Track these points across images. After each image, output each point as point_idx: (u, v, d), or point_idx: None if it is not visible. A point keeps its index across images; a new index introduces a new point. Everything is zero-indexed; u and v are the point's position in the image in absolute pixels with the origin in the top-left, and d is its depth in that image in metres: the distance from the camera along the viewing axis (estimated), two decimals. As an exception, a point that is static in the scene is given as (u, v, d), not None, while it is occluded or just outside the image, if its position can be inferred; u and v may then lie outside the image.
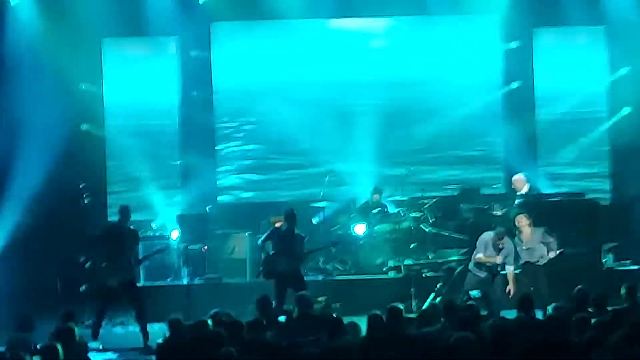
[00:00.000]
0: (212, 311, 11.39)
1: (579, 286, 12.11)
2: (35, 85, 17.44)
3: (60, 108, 17.41)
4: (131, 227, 14.80)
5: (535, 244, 15.07)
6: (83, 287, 16.01)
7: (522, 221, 15.10)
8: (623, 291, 12.05)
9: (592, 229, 16.38)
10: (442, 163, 19.07)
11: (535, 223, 15.20)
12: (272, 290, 14.38)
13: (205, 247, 17.25)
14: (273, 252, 14.91)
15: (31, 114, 17.41)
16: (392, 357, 9.03)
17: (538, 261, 15.02)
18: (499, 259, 14.80)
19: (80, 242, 16.40)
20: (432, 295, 15.39)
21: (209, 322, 10.86)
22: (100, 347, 13.66)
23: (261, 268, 15.10)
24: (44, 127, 17.26)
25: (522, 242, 15.06)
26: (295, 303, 12.54)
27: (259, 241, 15.24)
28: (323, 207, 17.77)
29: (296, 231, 15.02)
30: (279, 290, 14.61)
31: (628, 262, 17.04)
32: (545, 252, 15.04)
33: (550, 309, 12.20)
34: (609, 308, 11.47)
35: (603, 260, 16.73)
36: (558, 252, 15.05)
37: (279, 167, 19.15)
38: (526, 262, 15.08)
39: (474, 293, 14.52)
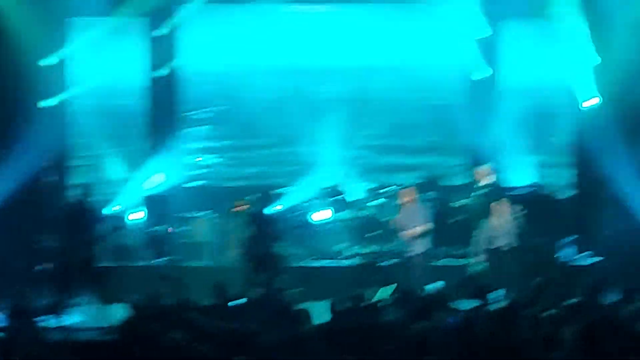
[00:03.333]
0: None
1: (536, 279, 12.26)
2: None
3: (20, 85, 17.31)
4: (92, 206, 14.80)
5: (505, 230, 15.27)
6: (41, 267, 16.01)
7: (501, 208, 15.28)
8: (581, 286, 12.17)
9: (550, 223, 16.50)
10: (406, 151, 19.12)
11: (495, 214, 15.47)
12: (230, 274, 14.45)
13: (171, 229, 17.26)
14: (250, 235, 15.13)
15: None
16: (351, 345, 9.08)
17: (504, 247, 15.27)
18: None
19: (40, 221, 16.34)
20: (392, 285, 15.45)
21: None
22: (60, 324, 13.60)
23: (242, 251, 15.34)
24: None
25: (494, 228, 15.28)
26: (257, 288, 12.65)
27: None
28: (286, 193, 17.83)
29: (268, 213, 15.25)
30: (250, 273, 14.78)
31: (587, 254, 17.18)
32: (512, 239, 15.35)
33: (506, 300, 12.32)
34: (565, 303, 11.60)
35: (561, 254, 16.87)
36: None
37: (243, 151, 19.14)
38: (494, 248, 15.29)
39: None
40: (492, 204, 15.59)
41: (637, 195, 17.59)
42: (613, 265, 16.41)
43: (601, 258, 16.92)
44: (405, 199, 15.58)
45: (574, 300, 11.84)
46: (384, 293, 14.44)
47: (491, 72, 18.89)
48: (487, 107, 18.87)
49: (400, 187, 16.00)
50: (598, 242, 17.23)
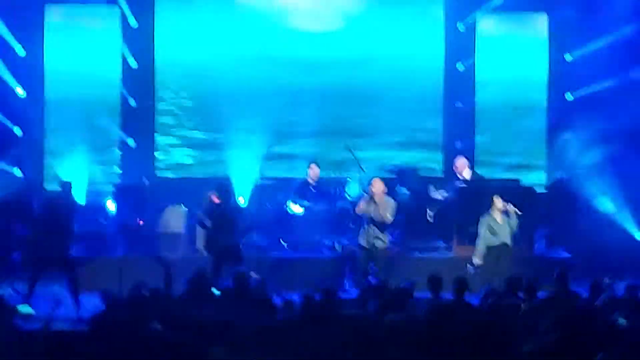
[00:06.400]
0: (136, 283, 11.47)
1: (511, 272, 12.32)
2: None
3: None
4: (70, 199, 14.77)
5: (504, 224, 15.37)
6: (17, 256, 15.95)
7: (499, 203, 15.36)
8: (555, 279, 12.24)
9: (526, 215, 16.56)
10: (382, 144, 19.14)
11: (473, 207, 15.50)
12: (207, 265, 14.43)
13: (142, 221, 17.17)
14: (212, 227, 15.05)
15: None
16: (325, 337, 9.08)
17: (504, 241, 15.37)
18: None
19: (17, 212, 16.27)
20: (367, 276, 15.44)
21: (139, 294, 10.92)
22: (33, 312, 13.54)
23: (202, 242, 15.29)
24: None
25: (494, 222, 15.38)
26: (232, 279, 12.61)
27: (199, 218, 15.41)
28: (261, 183, 17.84)
29: (234, 205, 15.18)
30: (216, 266, 14.73)
31: (559, 249, 17.26)
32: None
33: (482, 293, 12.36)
34: (539, 295, 11.66)
35: (535, 247, 16.95)
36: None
37: (219, 142, 19.08)
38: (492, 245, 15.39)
39: None
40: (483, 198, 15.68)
41: (609, 190, 17.74)
42: (584, 259, 16.53)
43: (571, 254, 17.03)
44: (379, 191, 15.57)
45: (547, 292, 11.97)
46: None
47: (469, 63, 19.02)
48: (465, 99, 19.01)
49: (375, 178, 15.98)
50: (570, 236, 17.34)
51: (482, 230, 15.42)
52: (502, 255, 15.24)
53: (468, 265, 15.34)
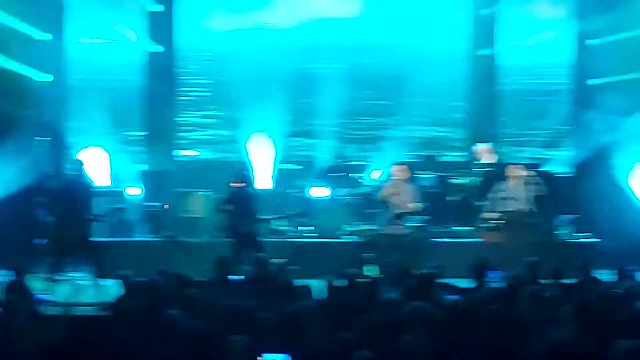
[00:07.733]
0: (159, 269, 11.48)
1: (534, 257, 12.27)
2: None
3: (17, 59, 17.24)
4: (87, 181, 14.79)
5: (519, 194, 15.35)
6: (39, 241, 15.99)
7: (516, 171, 15.38)
8: (578, 265, 12.18)
9: (549, 200, 16.50)
10: (404, 127, 19.11)
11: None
12: (228, 250, 14.45)
13: (167, 206, 17.21)
14: (233, 212, 15.06)
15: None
16: (346, 324, 9.04)
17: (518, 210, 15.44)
18: None
19: (38, 196, 16.32)
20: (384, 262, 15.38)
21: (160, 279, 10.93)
22: (54, 299, 13.58)
23: (223, 227, 15.33)
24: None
25: (506, 191, 15.42)
26: (252, 265, 12.62)
27: (221, 204, 15.43)
28: (284, 169, 17.84)
29: (252, 190, 15.21)
30: (237, 251, 14.73)
31: (586, 234, 17.18)
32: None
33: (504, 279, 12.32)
34: (563, 281, 11.60)
35: (560, 232, 16.88)
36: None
37: (241, 127, 19.07)
38: (507, 211, 15.45)
39: None
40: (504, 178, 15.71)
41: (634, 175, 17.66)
42: (608, 245, 16.45)
43: (595, 240, 16.94)
44: (402, 176, 15.56)
45: (571, 278, 11.91)
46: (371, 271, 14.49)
47: (492, 48, 18.94)
48: (488, 84, 18.94)
49: (398, 164, 15.98)
50: (595, 221, 17.25)
51: (495, 196, 15.52)
52: (519, 223, 15.30)
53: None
